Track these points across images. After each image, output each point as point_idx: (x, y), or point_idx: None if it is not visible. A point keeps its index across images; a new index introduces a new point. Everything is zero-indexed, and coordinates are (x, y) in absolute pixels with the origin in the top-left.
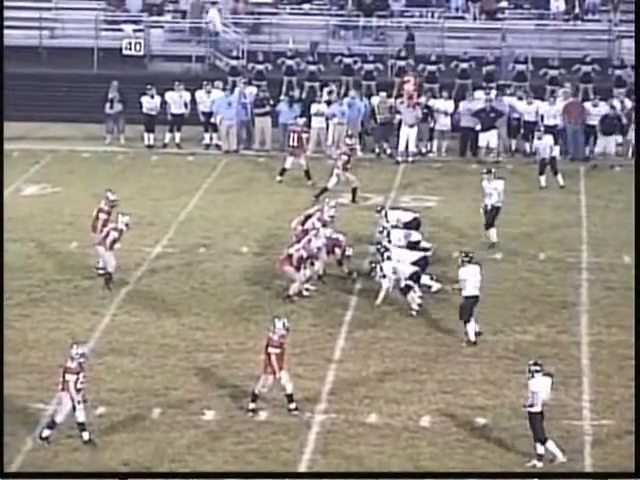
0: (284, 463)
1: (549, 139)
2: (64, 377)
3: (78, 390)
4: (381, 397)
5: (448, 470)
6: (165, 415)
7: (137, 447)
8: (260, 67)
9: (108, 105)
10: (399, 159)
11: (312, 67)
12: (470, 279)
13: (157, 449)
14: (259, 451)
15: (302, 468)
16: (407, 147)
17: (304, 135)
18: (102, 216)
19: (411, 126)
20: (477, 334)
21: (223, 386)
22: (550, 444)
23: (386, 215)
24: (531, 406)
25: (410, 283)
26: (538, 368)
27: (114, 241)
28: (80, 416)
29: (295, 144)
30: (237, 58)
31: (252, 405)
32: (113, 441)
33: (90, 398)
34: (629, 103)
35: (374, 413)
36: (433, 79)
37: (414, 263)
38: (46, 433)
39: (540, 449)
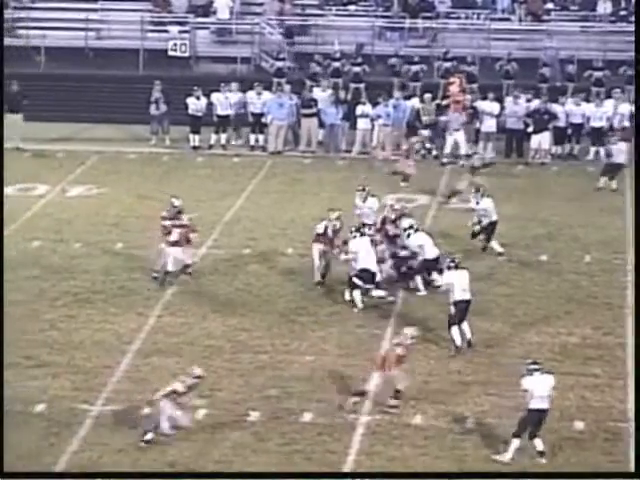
0: (329, 464)
1: (623, 145)
2: (172, 393)
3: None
4: (426, 399)
5: (492, 471)
6: (210, 416)
7: (182, 448)
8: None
9: (153, 106)
10: (444, 160)
11: (357, 68)
12: (456, 284)
13: (202, 450)
14: (304, 452)
15: (347, 469)
16: (454, 150)
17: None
18: (166, 223)
19: (457, 130)
20: (469, 343)
21: (268, 387)
22: (515, 442)
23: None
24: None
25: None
26: (536, 367)
27: (179, 239)
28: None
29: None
30: (283, 60)
31: (354, 400)
32: (158, 442)
33: (135, 399)
34: None
35: (419, 414)
36: (476, 80)
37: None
38: (149, 437)
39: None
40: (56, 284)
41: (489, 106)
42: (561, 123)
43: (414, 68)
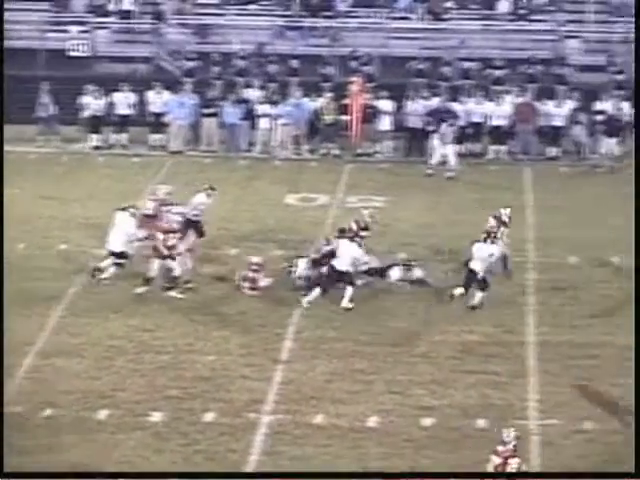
0: (231, 464)
1: None
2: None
3: None
4: (328, 398)
5: (396, 470)
6: (112, 417)
7: (84, 449)
8: (214, 68)
9: (41, 108)
10: (429, 172)
11: (258, 69)
12: (475, 254)
13: (104, 451)
14: (206, 452)
15: (249, 469)
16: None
17: None
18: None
19: (448, 143)
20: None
21: (170, 387)
22: None
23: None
24: None
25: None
26: None
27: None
28: None
29: None
30: (184, 60)
31: None
32: (61, 443)
33: (37, 400)
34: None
35: (321, 414)
36: (375, 79)
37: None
38: None
39: None
40: None
41: (384, 104)
42: (461, 122)
43: (330, 68)
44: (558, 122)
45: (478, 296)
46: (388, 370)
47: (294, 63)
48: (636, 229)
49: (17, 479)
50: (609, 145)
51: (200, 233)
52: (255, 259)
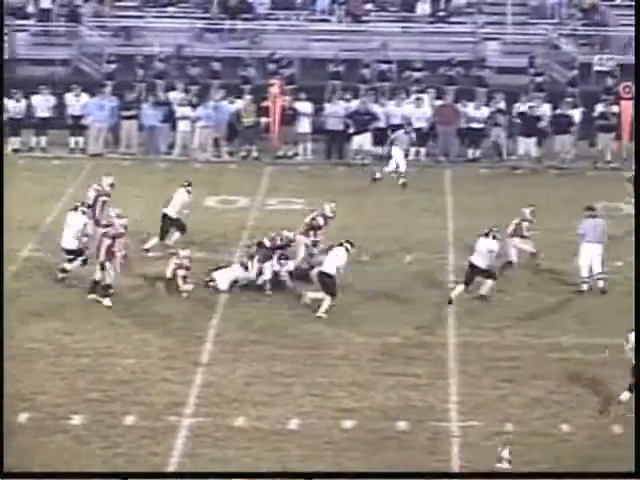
0: (152, 467)
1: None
2: None
3: None
4: (249, 400)
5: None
6: (33, 420)
7: (4, 452)
8: (135, 70)
9: None
10: (377, 176)
11: (177, 71)
12: (477, 250)
13: (25, 454)
14: (127, 455)
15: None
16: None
17: None
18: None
19: (404, 150)
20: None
21: (90, 390)
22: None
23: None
24: None
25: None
26: None
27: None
28: None
29: None
30: (104, 62)
31: None
32: None
33: None
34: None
35: (242, 416)
36: (295, 81)
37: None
38: None
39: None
40: None
41: (302, 106)
42: (381, 124)
43: (250, 70)
44: (478, 124)
45: (488, 284)
46: (308, 373)
47: (214, 65)
48: (636, 229)
49: (16, 479)
50: (527, 146)
51: (182, 229)
52: (183, 252)
